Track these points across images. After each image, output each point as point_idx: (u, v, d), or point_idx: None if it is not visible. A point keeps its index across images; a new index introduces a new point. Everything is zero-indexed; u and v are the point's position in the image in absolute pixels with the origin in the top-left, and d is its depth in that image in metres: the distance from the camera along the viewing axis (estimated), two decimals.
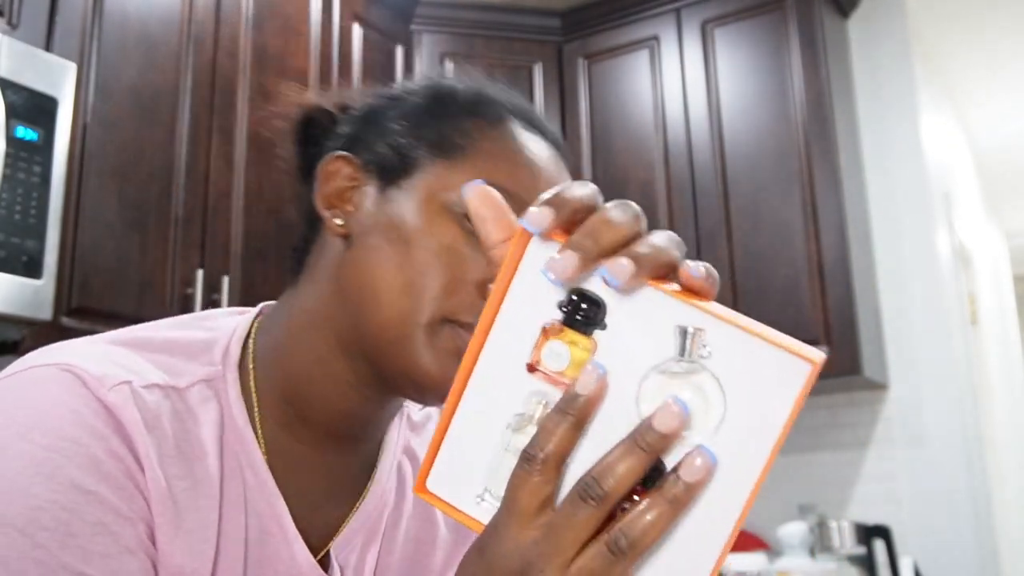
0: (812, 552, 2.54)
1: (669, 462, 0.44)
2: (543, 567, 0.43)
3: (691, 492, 0.43)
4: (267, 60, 2.32)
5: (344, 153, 0.68)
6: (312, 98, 0.75)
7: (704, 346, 0.44)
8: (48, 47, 1.82)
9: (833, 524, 2.53)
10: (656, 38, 2.93)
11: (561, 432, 0.43)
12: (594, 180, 2.46)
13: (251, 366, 0.68)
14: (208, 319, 0.71)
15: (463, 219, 0.63)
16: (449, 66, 2.92)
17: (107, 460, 0.56)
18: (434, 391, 0.64)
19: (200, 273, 2.01)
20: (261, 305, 0.74)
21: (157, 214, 2.00)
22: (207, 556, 0.60)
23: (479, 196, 0.50)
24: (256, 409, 0.67)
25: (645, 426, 0.42)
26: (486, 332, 0.48)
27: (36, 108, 1.70)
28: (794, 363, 0.44)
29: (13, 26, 1.76)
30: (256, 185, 2.23)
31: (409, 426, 0.80)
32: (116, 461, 0.56)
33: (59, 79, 1.76)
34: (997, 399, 4.15)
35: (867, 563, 2.49)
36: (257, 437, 0.66)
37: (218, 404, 0.65)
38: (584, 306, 0.45)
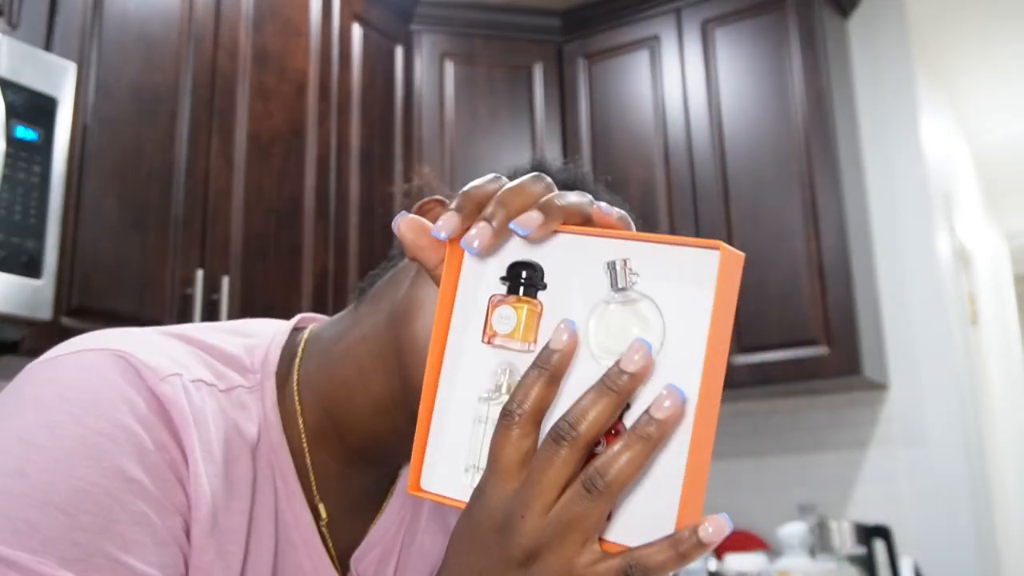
0: (812, 552, 2.54)
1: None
2: (524, 513, 0.44)
3: (663, 429, 0.44)
4: (267, 60, 2.32)
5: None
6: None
7: (633, 273, 0.46)
8: (48, 47, 1.82)
9: (833, 524, 2.53)
10: (656, 38, 2.93)
11: (538, 387, 0.45)
12: (594, 180, 2.40)
13: (296, 373, 0.68)
14: (247, 326, 0.71)
15: None
16: (449, 66, 2.92)
17: (154, 451, 0.56)
18: None
19: (200, 273, 2.01)
20: (299, 317, 0.74)
21: (157, 214, 2.00)
22: (236, 559, 0.60)
23: (408, 227, 0.51)
24: (297, 417, 0.67)
25: (615, 370, 0.44)
26: (444, 329, 0.51)
27: (36, 108, 1.70)
28: (704, 256, 0.46)
29: (13, 26, 1.76)
30: (256, 185, 2.23)
31: None
32: (163, 452, 0.56)
33: (59, 79, 1.76)
34: (997, 399, 4.15)
35: (867, 563, 2.49)
36: (291, 447, 0.66)
37: (256, 411, 0.65)
38: (522, 272, 0.49)
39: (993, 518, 3.13)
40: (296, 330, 0.73)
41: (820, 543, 2.53)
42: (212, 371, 0.64)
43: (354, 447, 0.68)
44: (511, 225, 0.46)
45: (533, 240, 0.47)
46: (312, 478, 0.67)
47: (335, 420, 0.68)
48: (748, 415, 2.94)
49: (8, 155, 1.63)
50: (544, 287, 0.49)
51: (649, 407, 0.44)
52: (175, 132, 2.07)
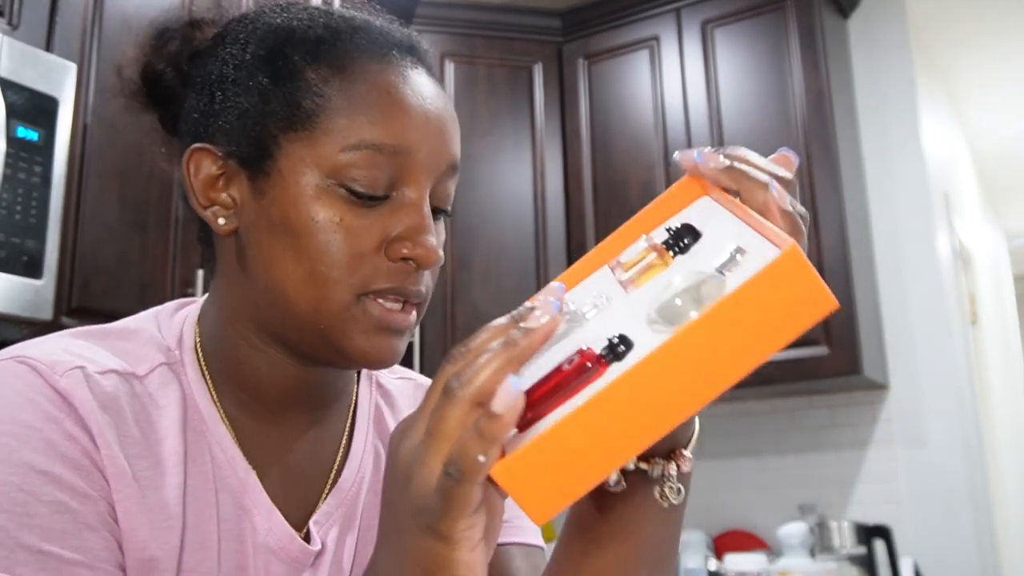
0: (812, 552, 2.54)
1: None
2: (426, 459, 0.44)
3: (529, 339, 0.43)
4: None
5: (202, 145, 0.64)
6: (139, 56, 0.69)
7: (737, 264, 0.46)
8: (48, 47, 1.82)
9: (833, 524, 2.53)
10: (656, 38, 2.93)
11: (488, 372, 0.43)
12: (594, 180, 2.46)
13: (200, 355, 0.68)
14: (163, 312, 0.71)
15: (341, 190, 0.61)
16: (449, 66, 2.92)
17: (63, 441, 0.56)
18: (368, 364, 0.64)
19: (200, 273, 2.01)
20: (205, 295, 0.74)
21: (157, 214, 2.00)
22: (173, 533, 0.60)
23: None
24: (214, 394, 0.67)
25: (516, 330, 0.44)
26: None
27: (36, 108, 1.70)
28: (770, 250, 0.45)
29: (13, 26, 1.76)
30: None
31: (380, 393, 0.79)
32: (72, 442, 0.57)
33: (59, 79, 1.76)
34: (997, 399, 4.15)
35: (867, 563, 2.49)
36: (221, 417, 0.66)
37: (179, 386, 0.65)
38: (680, 232, 0.50)
39: (993, 518, 3.13)
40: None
41: (820, 543, 2.53)
42: (129, 358, 0.64)
43: (280, 407, 0.68)
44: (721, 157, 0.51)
45: (704, 171, 0.52)
46: (249, 446, 0.67)
47: (249, 391, 0.67)
48: (748, 415, 2.94)
49: (9, 155, 1.63)
50: (685, 252, 0.50)
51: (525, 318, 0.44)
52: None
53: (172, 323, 0.69)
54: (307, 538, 0.68)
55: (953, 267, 3.12)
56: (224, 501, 0.64)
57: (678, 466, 0.55)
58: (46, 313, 1.67)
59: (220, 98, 0.64)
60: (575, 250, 2.90)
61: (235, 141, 0.63)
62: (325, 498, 0.70)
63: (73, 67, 1.80)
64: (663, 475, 0.55)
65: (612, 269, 0.52)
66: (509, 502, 0.46)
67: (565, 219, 2.93)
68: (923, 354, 2.76)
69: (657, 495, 0.56)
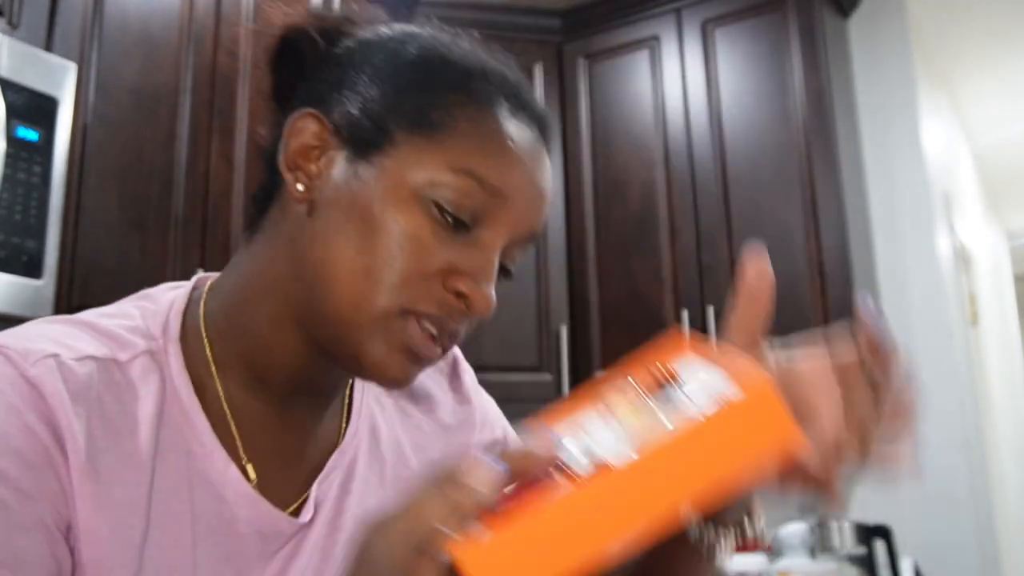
0: (812, 552, 2.54)
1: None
2: (391, 534, 0.46)
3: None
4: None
5: (314, 111, 0.65)
6: (296, 20, 0.70)
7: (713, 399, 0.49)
8: (48, 47, 1.82)
9: (833, 524, 2.53)
10: (656, 38, 2.93)
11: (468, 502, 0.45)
12: (594, 180, 2.46)
13: (204, 331, 0.67)
14: (149, 295, 0.70)
15: (431, 205, 0.61)
16: None
17: (18, 435, 0.55)
18: (377, 379, 0.64)
19: (200, 273, 2.01)
20: (196, 277, 0.73)
21: (157, 214, 2.00)
22: (137, 531, 0.59)
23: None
24: (215, 374, 0.66)
25: (461, 490, 0.45)
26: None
27: (36, 108, 1.70)
28: (744, 390, 0.48)
29: (13, 26, 1.76)
30: (256, 185, 2.23)
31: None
32: (29, 436, 0.55)
33: (59, 79, 1.76)
34: (997, 399, 4.15)
35: (867, 563, 2.49)
36: (220, 399, 0.66)
37: (160, 377, 0.64)
38: (663, 375, 0.54)
39: (993, 518, 3.13)
40: (195, 289, 0.71)
41: (820, 543, 2.53)
42: (112, 345, 0.63)
43: (286, 389, 0.68)
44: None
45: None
46: (236, 435, 0.66)
47: (257, 369, 0.67)
48: None
49: (9, 155, 1.63)
50: (665, 391, 0.53)
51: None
52: (175, 132, 2.07)
53: (158, 308, 0.68)
54: (296, 513, 0.68)
55: (953, 267, 3.12)
56: (201, 496, 0.63)
57: (736, 534, 0.60)
58: (46, 313, 1.67)
59: (354, 77, 0.65)
60: (575, 250, 2.90)
61: (351, 120, 0.64)
62: (322, 471, 0.71)
63: (73, 67, 1.80)
64: (721, 540, 0.60)
65: (595, 407, 0.53)
66: None
67: (565, 219, 2.93)
68: (923, 354, 2.76)
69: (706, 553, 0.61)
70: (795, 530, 2.55)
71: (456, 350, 0.84)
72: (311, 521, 0.68)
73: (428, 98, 0.63)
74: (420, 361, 0.63)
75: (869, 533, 2.51)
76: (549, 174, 0.66)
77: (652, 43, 2.94)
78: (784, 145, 2.65)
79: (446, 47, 0.67)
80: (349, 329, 0.61)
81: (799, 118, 2.64)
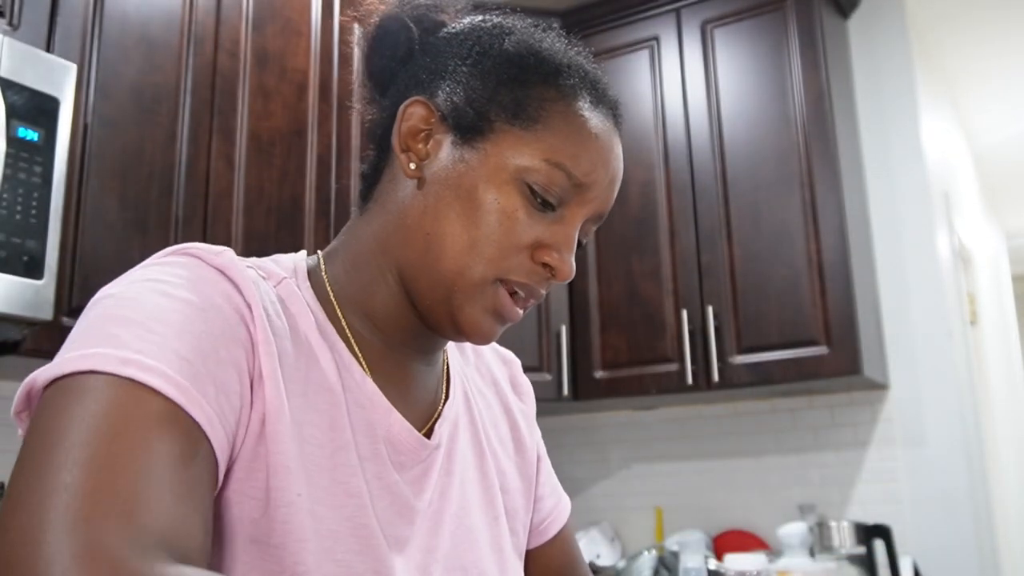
0: (812, 552, 2.54)
1: None
2: None
3: None
4: (267, 60, 2.33)
5: (422, 99, 0.74)
6: (393, 9, 0.78)
7: None
8: (49, 48, 1.82)
9: (833, 524, 2.53)
10: (656, 38, 2.93)
11: None
12: None
13: (325, 278, 0.76)
14: (270, 258, 0.77)
15: (525, 188, 0.70)
16: None
17: (217, 296, 0.63)
18: (468, 337, 0.73)
19: None
20: (303, 251, 0.81)
21: (157, 214, 2.00)
22: (298, 407, 0.66)
23: None
24: (338, 311, 0.74)
25: None
26: None
27: (37, 108, 1.70)
28: None
29: (14, 27, 1.76)
30: (256, 185, 2.23)
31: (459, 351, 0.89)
32: (226, 299, 0.64)
33: (60, 79, 1.76)
34: (997, 399, 4.15)
35: (867, 563, 2.49)
36: (345, 329, 0.74)
37: (302, 298, 0.72)
38: None
39: (993, 518, 3.14)
40: (309, 257, 0.80)
41: (820, 543, 2.53)
42: (259, 271, 0.72)
43: (399, 339, 0.76)
44: None
45: None
46: (362, 359, 0.73)
47: (374, 321, 0.75)
48: (748, 415, 2.94)
49: (9, 155, 1.63)
50: None
51: None
52: (176, 132, 2.07)
53: (284, 260, 0.76)
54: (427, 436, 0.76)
55: (953, 267, 3.12)
56: (348, 398, 0.70)
57: None
58: (46, 313, 1.67)
59: (455, 67, 0.74)
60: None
61: (457, 109, 0.72)
62: (441, 410, 0.79)
63: (73, 67, 1.80)
64: None
65: None
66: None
67: None
68: (923, 354, 2.76)
69: None
70: (795, 530, 2.56)
71: (517, 361, 0.96)
72: (437, 449, 0.76)
73: (524, 92, 0.72)
74: (505, 322, 0.74)
75: (869, 533, 2.51)
76: (621, 157, 0.77)
77: (652, 43, 2.94)
78: (784, 145, 2.65)
79: (537, 42, 0.75)
80: (452, 293, 0.71)
81: (799, 118, 2.64)
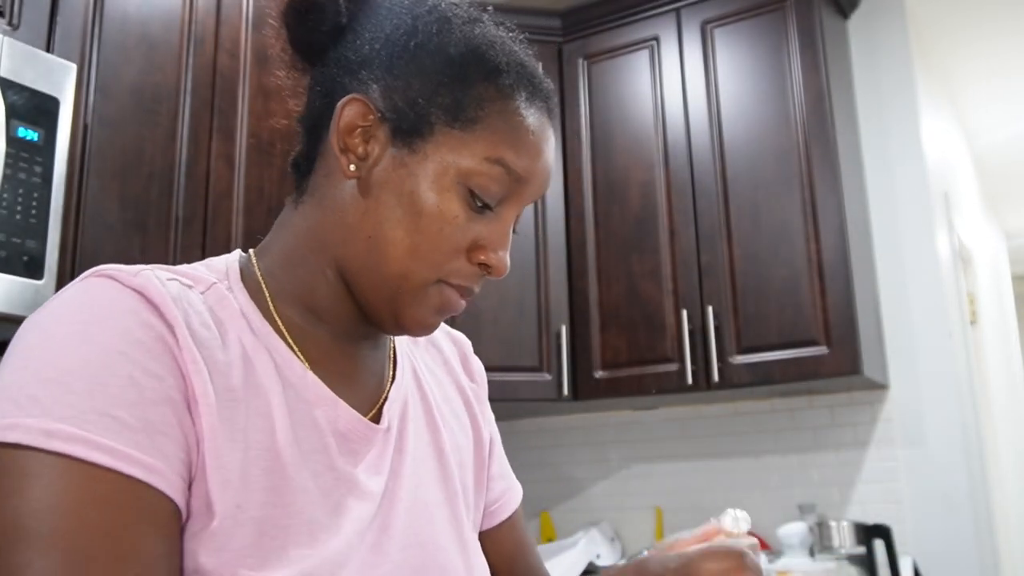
0: (812, 552, 2.54)
1: None
2: None
3: None
4: (267, 60, 2.33)
5: (360, 97, 0.72)
6: None
7: None
8: (49, 48, 1.82)
9: (833, 524, 2.53)
10: (656, 38, 2.93)
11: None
12: (594, 180, 2.47)
13: (260, 278, 0.75)
14: (202, 262, 0.77)
15: (466, 191, 0.71)
16: None
17: (137, 328, 0.62)
18: (411, 332, 0.75)
19: None
20: (237, 250, 0.80)
21: (158, 214, 2.00)
22: (239, 414, 0.66)
23: None
24: (273, 309, 0.74)
25: None
26: None
27: (37, 108, 1.70)
28: None
29: (14, 27, 1.76)
30: (256, 185, 2.23)
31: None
32: (147, 328, 0.63)
33: (60, 79, 1.76)
34: (997, 399, 4.15)
35: (867, 563, 2.49)
36: (281, 327, 0.73)
37: (234, 301, 0.72)
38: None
39: (993, 518, 3.14)
40: (241, 256, 0.79)
41: (820, 543, 2.53)
42: (185, 279, 0.71)
43: (330, 323, 0.75)
44: None
45: None
46: (301, 355, 0.73)
47: (313, 313, 0.75)
48: (748, 415, 2.94)
49: (9, 155, 1.63)
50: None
51: None
52: (176, 132, 2.07)
53: (216, 264, 0.76)
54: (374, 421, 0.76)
55: (953, 267, 3.12)
56: (289, 396, 0.70)
57: None
58: None
59: (390, 63, 0.73)
60: (575, 250, 2.90)
61: (396, 110, 0.72)
62: (388, 392, 0.79)
63: (73, 67, 1.80)
64: None
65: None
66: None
67: (565, 219, 2.93)
68: (923, 354, 2.76)
69: None
70: (795, 530, 2.56)
71: (468, 342, 0.97)
72: (387, 431, 0.76)
73: (463, 93, 0.71)
74: (446, 314, 0.75)
75: (869, 533, 2.51)
76: (554, 147, 0.77)
77: (652, 43, 2.94)
78: (784, 145, 2.65)
79: (476, 38, 0.74)
80: (397, 294, 0.72)
81: (798, 118, 2.64)
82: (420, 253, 0.70)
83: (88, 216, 1.86)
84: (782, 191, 2.63)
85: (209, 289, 0.71)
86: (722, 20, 2.83)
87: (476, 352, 0.96)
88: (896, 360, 2.78)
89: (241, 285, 0.73)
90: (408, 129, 0.71)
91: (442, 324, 0.91)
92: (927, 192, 2.87)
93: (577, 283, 2.88)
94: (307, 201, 0.76)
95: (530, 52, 0.78)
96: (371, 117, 0.72)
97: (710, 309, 2.65)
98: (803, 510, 2.69)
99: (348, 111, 0.72)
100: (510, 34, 0.77)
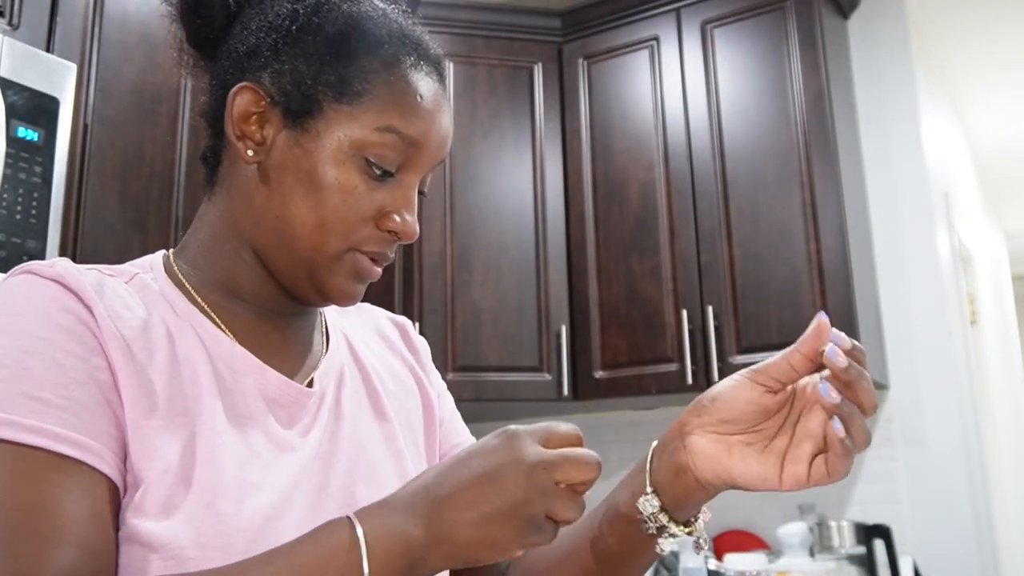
0: (812, 552, 2.54)
1: None
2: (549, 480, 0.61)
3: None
4: None
5: (251, 84, 0.75)
6: None
7: None
8: (49, 47, 1.82)
9: (833, 524, 2.53)
10: (656, 38, 2.93)
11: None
12: (594, 180, 2.46)
13: (178, 272, 0.77)
14: (125, 264, 0.80)
15: (363, 161, 0.73)
16: (449, 67, 2.92)
17: (58, 313, 0.65)
18: (335, 301, 0.77)
19: None
20: (160, 251, 0.83)
21: (158, 214, 2.00)
22: (164, 388, 0.68)
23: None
24: (197, 296, 0.76)
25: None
26: None
27: (37, 108, 1.70)
28: None
29: (14, 26, 1.76)
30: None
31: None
32: (67, 313, 0.65)
33: (60, 79, 1.76)
34: (997, 399, 4.15)
35: (867, 563, 2.49)
36: (207, 310, 0.76)
37: (157, 290, 0.75)
38: None
39: (993, 518, 3.14)
40: (163, 255, 0.82)
41: (820, 543, 2.53)
42: (108, 271, 0.74)
43: (254, 303, 0.78)
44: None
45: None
46: (228, 332, 0.76)
47: (231, 289, 0.78)
48: None
49: (9, 155, 1.63)
50: None
51: None
52: (176, 132, 2.07)
53: (139, 261, 0.79)
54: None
55: (953, 267, 3.12)
56: (218, 367, 0.72)
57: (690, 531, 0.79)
58: None
59: (276, 48, 0.75)
60: (575, 250, 2.90)
61: (285, 93, 0.74)
62: (321, 360, 0.81)
63: (73, 67, 1.80)
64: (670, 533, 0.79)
65: None
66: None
67: (565, 219, 2.93)
68: (923, 354, 2.76)
69: (657, 547, 0.78)
70: (795, 530, 2.56)
71: (408, 322, 0.99)
72: (322, 396, 0.78)
73: (346, 69, 0.74)
74: (366, 281, 0.78)
75: (869, 533, 2.51)
76: (450, 111, 0.79)
77: (652, 43, 2.94)
78: (784, 145, 2.65)
79: (354, 14, 0.76)
80: (313, 268, 0.74)
81: (798, 118, 2.64)
82: (327, 226, 0.73)
83: (88, 216, 1.86)
84: (782, 191, 2.63)
85: (132, 279, 0.74)
86: (722, 20, 2.83)
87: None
88: (896, 360, 2.78)
89: (165, 276, 0.76)
90: (298, 110, 0.73)
91: (386, 312, 0.98)
92: (927, 192, 2.87)
93: (577, 283, 2.88)
94: (217, 192, 0.79)
95: (416, 22, 0.80)
96: (263, 103, 0.74)
97: (710, 309, 2.65)
98: (803, 510, 2.69)
99: (240, 99, 0.74)
100: (393, 6, 0.79)
